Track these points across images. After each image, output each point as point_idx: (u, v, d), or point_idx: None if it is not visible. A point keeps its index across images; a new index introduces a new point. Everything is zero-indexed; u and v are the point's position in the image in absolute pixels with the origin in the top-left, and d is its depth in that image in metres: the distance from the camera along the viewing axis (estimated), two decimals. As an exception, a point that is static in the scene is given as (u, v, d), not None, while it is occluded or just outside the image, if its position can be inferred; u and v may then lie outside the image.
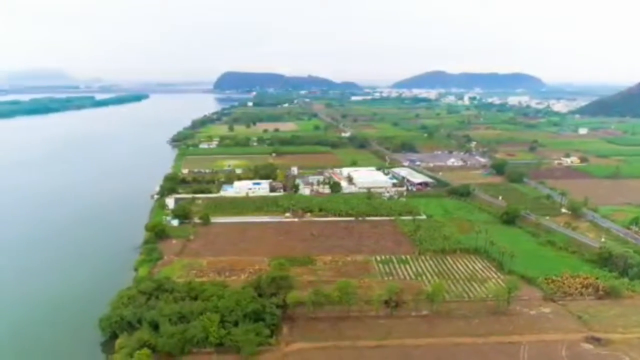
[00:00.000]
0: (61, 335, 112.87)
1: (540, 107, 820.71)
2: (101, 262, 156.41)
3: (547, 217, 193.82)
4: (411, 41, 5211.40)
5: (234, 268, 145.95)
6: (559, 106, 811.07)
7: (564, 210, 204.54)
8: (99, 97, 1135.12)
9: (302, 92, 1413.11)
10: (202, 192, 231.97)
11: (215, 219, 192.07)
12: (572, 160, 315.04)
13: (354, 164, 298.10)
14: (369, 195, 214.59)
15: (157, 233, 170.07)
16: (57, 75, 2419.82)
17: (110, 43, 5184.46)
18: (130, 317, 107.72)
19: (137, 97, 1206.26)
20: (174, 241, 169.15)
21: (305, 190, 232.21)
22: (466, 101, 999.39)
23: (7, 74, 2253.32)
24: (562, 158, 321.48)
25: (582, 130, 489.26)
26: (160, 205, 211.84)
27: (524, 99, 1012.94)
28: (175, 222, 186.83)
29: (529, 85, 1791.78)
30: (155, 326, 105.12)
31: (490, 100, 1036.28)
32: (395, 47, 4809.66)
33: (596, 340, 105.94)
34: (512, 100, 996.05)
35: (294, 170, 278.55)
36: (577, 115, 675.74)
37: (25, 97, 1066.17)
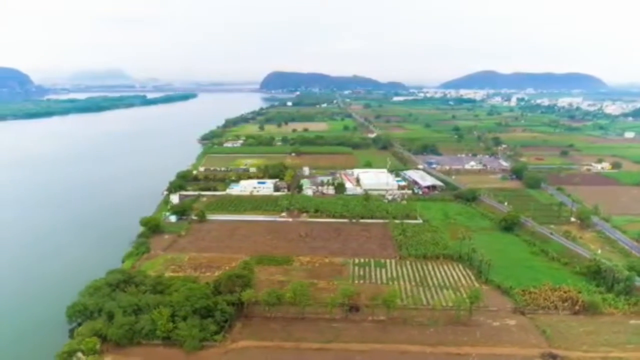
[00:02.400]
0: (35, 321, 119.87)
1: (592, 109, 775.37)
2: (96, 253, 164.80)
3: (552, 226, 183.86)
4: (462, 40, 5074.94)
5: (212, 265, 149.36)
6: (612, 108, 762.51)
7: (573, 218, 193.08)
8: (150, 96, 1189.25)
9: (346, 92, 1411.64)
10: (209, 189, 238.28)
11: (212, 216, 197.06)
12: (603, 166, 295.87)
13: (367, 165, 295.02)
14: (367, 197, 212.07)
15: (151, 228, 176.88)
16: (116, 75, 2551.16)
17: (167, 44, 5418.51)
18: (92, 307, 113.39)
19: (185, 96, 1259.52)
20: (165, 236, 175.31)
21: (308, 191, 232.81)
22: (513, 102, 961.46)
23: (71, 74, 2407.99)
24: (593, 164, 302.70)
25: (629, 134, 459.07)
26: (166, 202, 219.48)
27: (576, 100, 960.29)
28: (173, 218, 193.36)
29: (587, 85, 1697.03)
30: (111, 316, 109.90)
31: (539, 101, 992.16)
32: (445, 47, 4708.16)
33: (552, 358, 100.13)
34: (563, 101, 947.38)
35: (306, 170, 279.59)
36: (630, 118, 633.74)
37: (83, 96, 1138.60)
